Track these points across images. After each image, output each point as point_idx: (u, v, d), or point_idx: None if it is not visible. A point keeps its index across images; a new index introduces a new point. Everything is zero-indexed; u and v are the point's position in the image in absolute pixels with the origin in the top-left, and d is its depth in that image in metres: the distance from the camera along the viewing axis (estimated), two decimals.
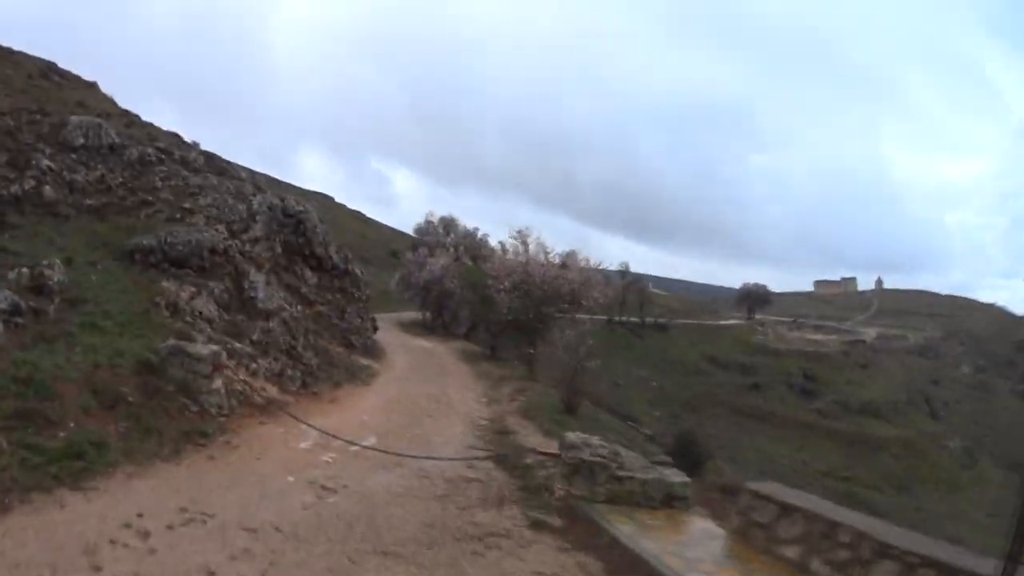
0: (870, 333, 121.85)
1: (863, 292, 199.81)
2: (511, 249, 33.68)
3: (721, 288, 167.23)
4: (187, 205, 20.74)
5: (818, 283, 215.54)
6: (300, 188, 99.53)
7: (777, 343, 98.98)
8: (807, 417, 76.37)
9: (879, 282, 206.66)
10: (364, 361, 24.62)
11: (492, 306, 31.34)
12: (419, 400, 19.85)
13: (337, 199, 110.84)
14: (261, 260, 21.86)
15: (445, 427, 16.60)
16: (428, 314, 47.70)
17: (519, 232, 32.30)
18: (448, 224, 61.12)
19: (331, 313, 25.67)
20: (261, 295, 19.61)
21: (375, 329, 33.50)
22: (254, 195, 23.86)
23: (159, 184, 21.19)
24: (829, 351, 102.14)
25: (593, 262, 32.80)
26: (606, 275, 43.54)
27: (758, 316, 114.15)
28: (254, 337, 17.83)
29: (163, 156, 22.70)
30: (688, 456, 25.81)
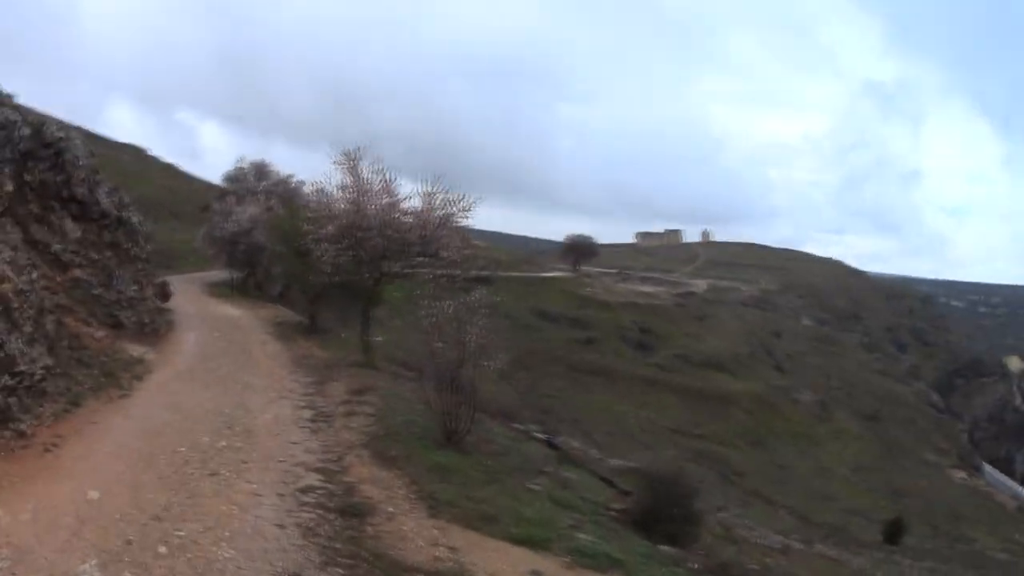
0: (700, 285, 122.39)
1: (688, 244, 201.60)
2: (335, 184, 22.39)
3: (537, 240, 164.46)
4: None
5: (640, 235, 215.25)
6: (112, 140, 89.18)
7: (607, 295, 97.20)
8: (646, 372, 74.46)
9: (705, 234, 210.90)
10: (135, 350, 18.82)
11: (308, 262, 23.76)
12: (201, 429, 12.80)
13: (152, 152, 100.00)
14: None
15: (240, 511, 8.85)
16: (236, 273, 41.52)
17: (347, 154, 21.07)
18: (260, 170, 54.75)
19: (92, 279, 19.89)
20: None
21: (164, 296, 27.78)
22: None
23: None
24: (662, 303, 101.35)
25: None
26: None
27: (583, 268, 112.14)
28: None
29: None
30: (665, 512, 15.33)
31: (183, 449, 11.43)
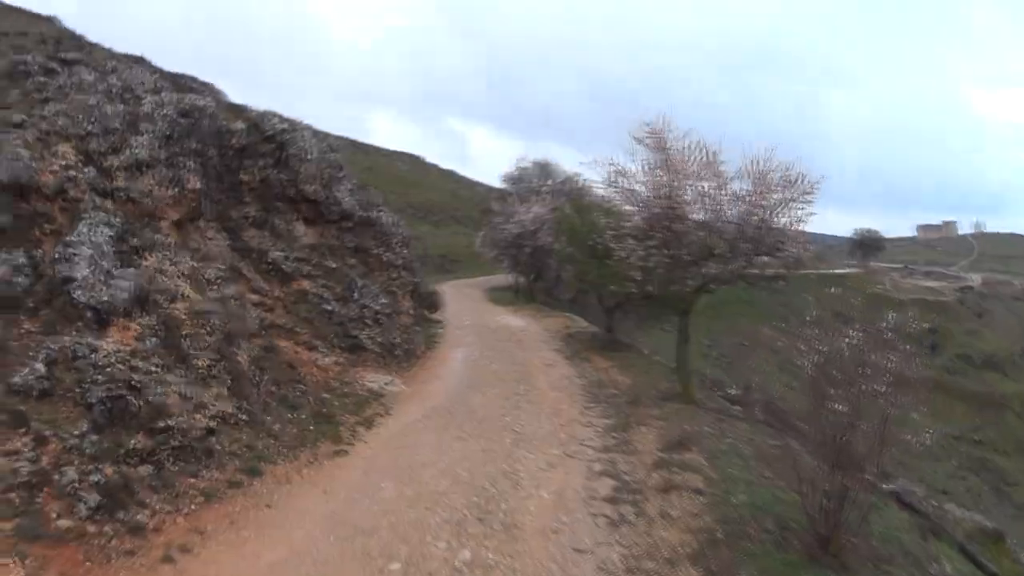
0: (975, 279, 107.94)
1: (963, 236, 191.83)
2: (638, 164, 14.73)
3: (815, 235, 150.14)
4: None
5: (920, 227, 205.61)
6: (386, 149, 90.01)
7: (897, 293, 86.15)
8: (935, 375, 64.85)
9: (978, 225, 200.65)
10: (375, 380, 13.52)
11: (608, 265, 16.39)
12: (435, 522, 7.50)
13: (428, 159, 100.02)
14: (156, 205, 11.30)
15: None
16: (520, 278, 36.24)
17: (650, 130, 13.87)
18: (544, 168, 49.57)
19: (324, 292, 14.77)
20: (84, 271, 8.89)
21: (432, 307, 22.78)
22: (153, 92, 13.12)
23: None
24: (946, 299, 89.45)
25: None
26: None
27: (872, 263, 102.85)
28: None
29: None
30: None
31: (396, 567, 6.46)
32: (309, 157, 15.97)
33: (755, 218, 13.24)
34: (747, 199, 13.24)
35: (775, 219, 13.20)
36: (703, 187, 13.69)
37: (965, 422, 59.83)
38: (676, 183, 13.80)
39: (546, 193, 41.43)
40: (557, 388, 14.56)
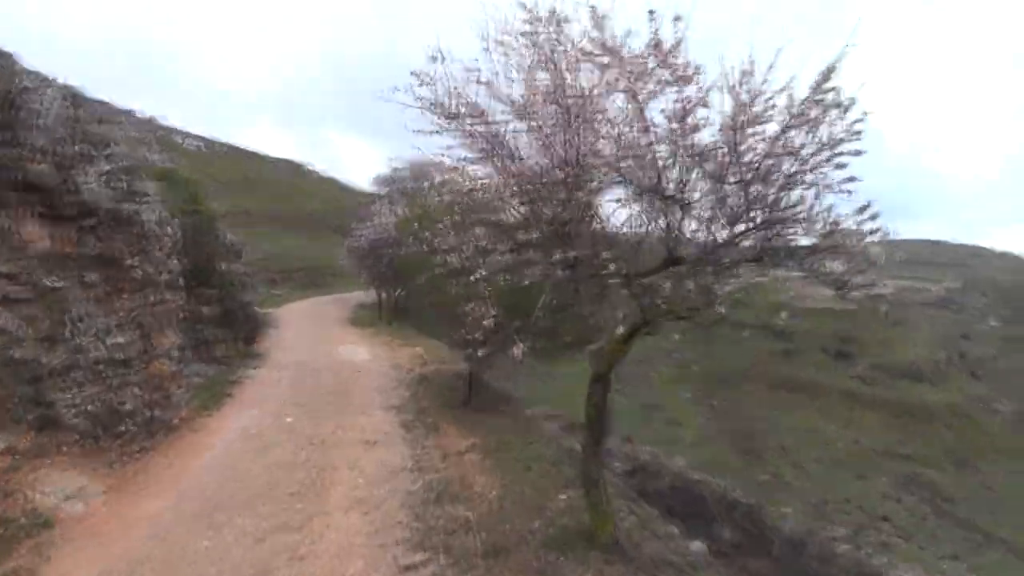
0: (886, 285, 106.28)
1: (868, 243, 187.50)
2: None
3: None
4: None
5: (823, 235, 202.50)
6: (268, 156, 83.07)
7: (801, 301, 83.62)
8: (848, 384, 63.53)
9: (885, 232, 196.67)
10: (53, 487, 8.04)
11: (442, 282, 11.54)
12: None
13: (311, 166, 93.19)
14: None
15: None
16: (384, 293, 30.85)
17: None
18: (420, 169, 44.36)
19: (18, 330, 9.14)
20: None
21: (250, 339, 17.52)
22: None
23: None
24: (855, 308, 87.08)
25: None
26: None
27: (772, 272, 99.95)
28: None
29: None
30: None
31: None
32: (41, 122, 10.42)
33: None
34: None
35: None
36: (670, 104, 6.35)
37: (888, 435, 56.78)
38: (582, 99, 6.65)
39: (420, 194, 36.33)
40: (364, 507, 8.43)
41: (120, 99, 69.03)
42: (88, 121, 12.43)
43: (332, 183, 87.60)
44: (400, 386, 15.26)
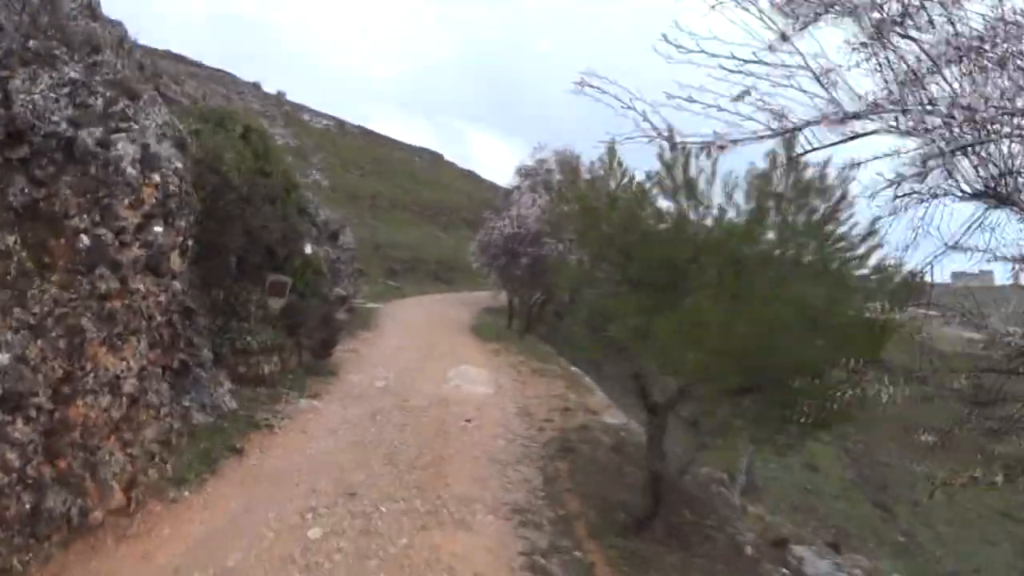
0: (1017, 331, 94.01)
1: (1002, 285, 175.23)
2: None
3: None
4: None
5: (954, 274, 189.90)
6: (404, 142, 79.17)
7: (939, 343, 74.35)
8: (978, 438, 54.54)
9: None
10: None
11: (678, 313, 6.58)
12: None
13: (446, 157, 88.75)
14: None
15: None
16: (514, 297, 25.05)
17: None
18: (567, 160, 38.54)
19: None
20: None
21: (325, 349, 12.16)
22: None
23: None
24: (991, 354, 77.57)
25: None
26: None
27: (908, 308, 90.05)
28: None
29: None
30: None
31: None
32: None
33: None
34: None
35: None
36: None
37: (1015, 496, 47.84)
38: None
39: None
40: None
41: (245, 74, 67.44)
42: (69, 17, 7.31)
43: (470, 176, 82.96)
44: (529, 459, 9.18)
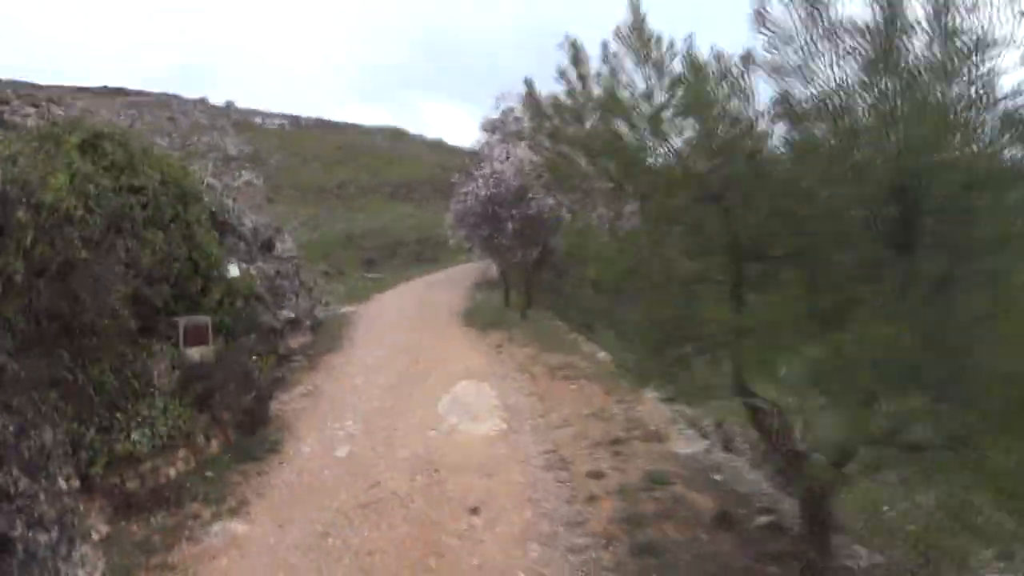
0: None
1: None
2: None
3: None
4: None
5: None
6: (362, 125, 74.11)
7: None
8: None
9: None
10: None
11: None
12: None
13: (410, 131, 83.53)
14: None
15: None
16: (506, 268, 20.75)
17: None
18: (536, 107, 34.11)
19: None
20: None
21: (254, 422, 7.85)
22: None
23: None
24: None
25: None
26: None
27: None
28: None
29: None
30: None
31: None
32: None
33: None
34: None
35: None
36: None
37: None
38: None
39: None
40: None
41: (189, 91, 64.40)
42: None
43: (439, 146, 77.97)
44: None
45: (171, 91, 57.64)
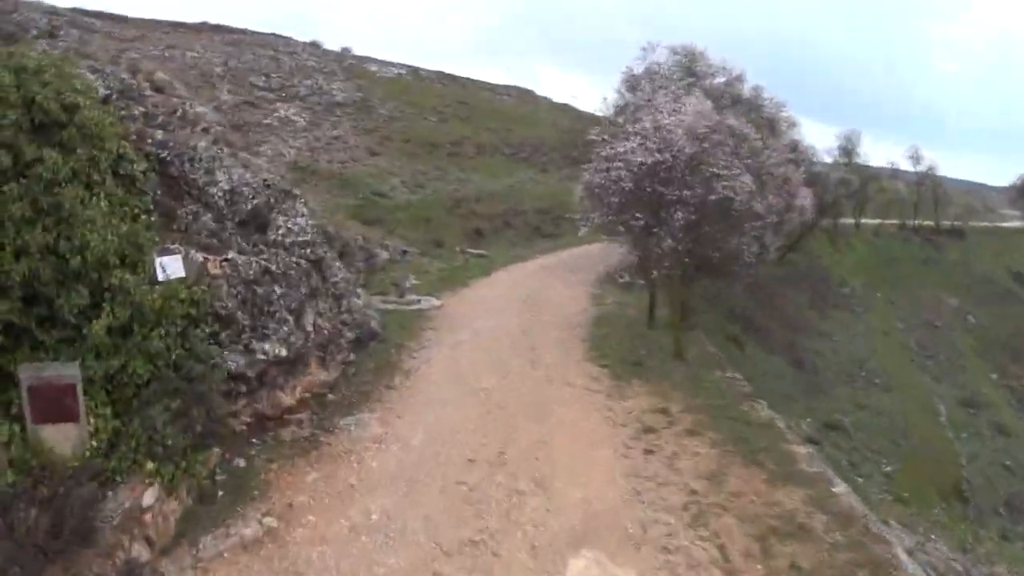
0: None
1: None
2: None
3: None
4: None
5: None
6: (487, 83, 68.09)
7: None
8: None
9: None
10: None
11: None
12: None
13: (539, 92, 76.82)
14: None
15: None
16: (655, 282, 13.88)
17: None
18: (690, 59, 27.31)
19: None
20: None
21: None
22: None
23: None
24: None
25: None
26: None
27: None
28: None
29: None
30: None
31: None
32: None
33: None
34: None
35: None
36: None
37: None
38: None
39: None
40: None
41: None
42: None
43: (567, 109, 71.14)
44: None
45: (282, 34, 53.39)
